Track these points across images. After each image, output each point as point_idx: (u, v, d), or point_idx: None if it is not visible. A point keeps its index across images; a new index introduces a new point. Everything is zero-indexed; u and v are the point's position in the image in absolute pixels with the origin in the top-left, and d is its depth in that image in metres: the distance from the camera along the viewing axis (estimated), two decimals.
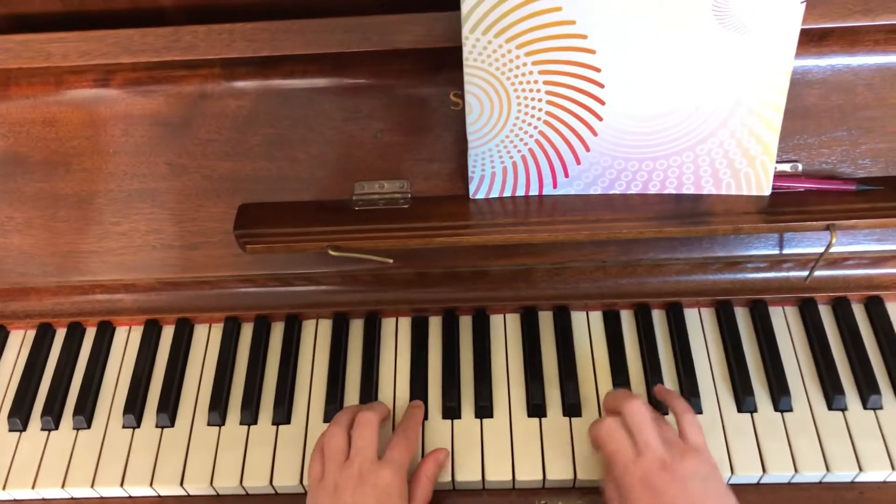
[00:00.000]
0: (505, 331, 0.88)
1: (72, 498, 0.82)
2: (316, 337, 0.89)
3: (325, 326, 0.89)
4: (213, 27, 0.73)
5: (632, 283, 0.87)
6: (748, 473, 0.77)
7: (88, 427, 0.84)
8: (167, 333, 0.90)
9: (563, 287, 0.87)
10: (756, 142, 0.74)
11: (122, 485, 0.80)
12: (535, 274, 0.87)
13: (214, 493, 0.81)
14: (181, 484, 0.80)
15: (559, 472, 0.77)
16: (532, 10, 0.68)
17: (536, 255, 0.84)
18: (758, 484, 0.77)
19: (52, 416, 0.84)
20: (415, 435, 0.77)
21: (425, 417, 0.82)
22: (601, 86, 0.72)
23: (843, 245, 0.82)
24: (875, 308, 0.85)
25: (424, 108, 0.79)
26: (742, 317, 0.87)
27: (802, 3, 0.67)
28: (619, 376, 0.83)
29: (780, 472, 0.76)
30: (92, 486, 0.80)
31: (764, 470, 0.77)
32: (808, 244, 0.82)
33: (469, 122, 0.75)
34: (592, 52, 0.70)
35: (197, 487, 0.80)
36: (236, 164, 0.81)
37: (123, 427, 0.84)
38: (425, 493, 0.74)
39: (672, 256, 0.83)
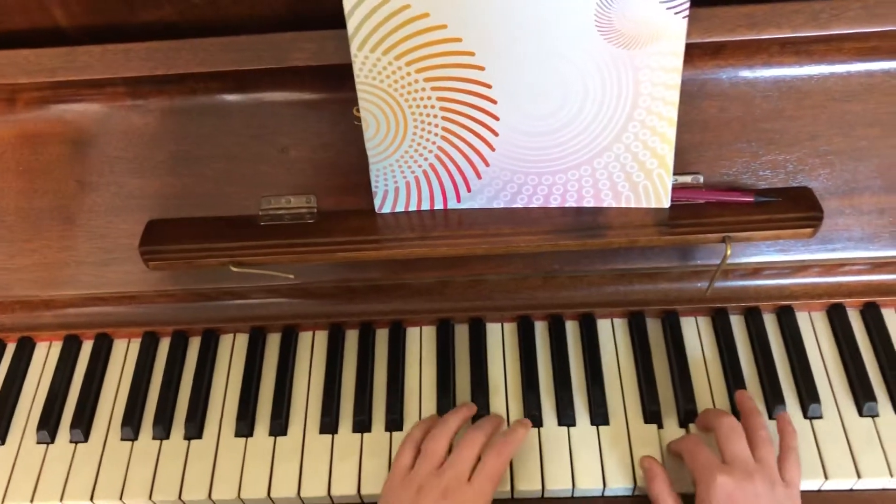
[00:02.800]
0: (421, 344, 0.88)
1: None
2: (232, 351, 0.89)
3: (242, 340, 0.89)
4: (109, 47, 0.74)
5: (545, 294, 0.87)
6: None
7: (3, 443, 0.85)
8: (86, 349, 0.90)
9: (477, 299, 0.88)
10: (652, 155, 0.75)
11: (31, 501, 0.81)
12: (451, 286, 0.88)
13: None
14: (91, 499, 0.80)
15: None
16: (417, 27, 0.68)
17: (449, 269, 0.85)
18: None
19: None
20: (510, 455, 0.76)
21: (334, 431, 0.82)
22: (494, 101, 0.73)
23: (748, 256, 0.82)
24: (786, 318, 0.86)
25: (329, 123, 0.80)
26: (654, 327, 0.87)
27: (684, 17, 0.67)
28: (530, 388, 0.83)
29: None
30: (2, 502, 0.81)
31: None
32: (718, 256, 0.82)
33: (367, 139, 0.76)
34: (481, 68, 0.71)
35: (108, 502, 0.80)
36: (144, 180, 0.82)
37: (38, 443, 0.84)
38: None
39: (578, 268, 0.83)
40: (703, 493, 0.69)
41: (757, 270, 0.85)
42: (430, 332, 0.89)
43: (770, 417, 0.80)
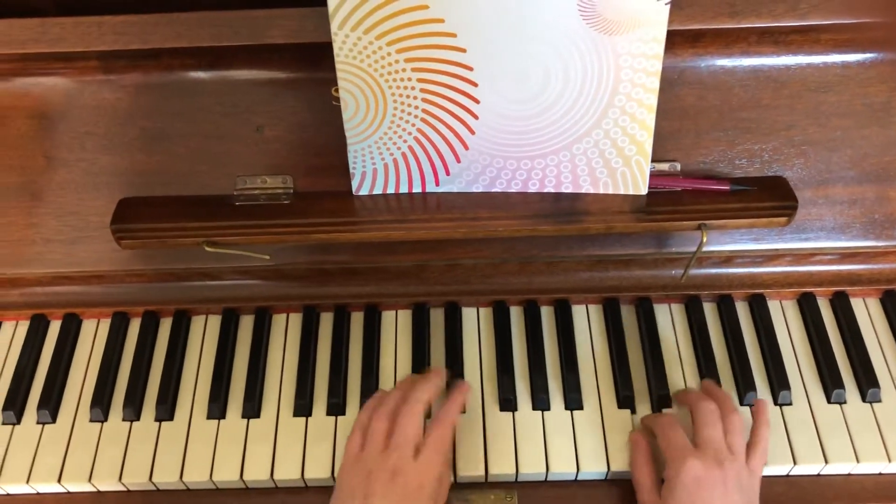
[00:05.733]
0: (396, 327, 0.88)
1: None
2: (204, 333, 0.88)
3: (215, 322, 0.88)
4: (82, 19, 0.72)
5: (521, 279, 0.87)
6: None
7: None
8: (54, 328, 0.89)
9: (453, 284, 0.88)
10: (630, 142, 0.75)
11: None
12: (427, 270, 0.88)
13: (95, 489, 0.80)
14: (59, 481, 0.79)
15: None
16: (399, 7, 0.68)
17: (425, 252, 0.85)
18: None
19: None
20: (452, 424, 0.75)
21: (308, 414, 0.82)
22: (475, 84, 0.72)
23: (722, 244, 0.83)
24: (757, 306, 0.87)
25: (307, 103, 0.79)
26: (628, 314, 0.87)
27: (667, 4, 0.67)
28: (505, 372, 0.83)
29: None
30: None
31: None
32: (692, 243, 0.83)
33: (346, 119, 0.75)
34: (463, 50, 0.70)
35: (76, 485, 0.79)
36: (116, 157, 0.80)
37: (3, 424, 0.83)
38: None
39: (555, 254, 0.83)
40: (673, 473, 0.70)
41: (730, 258, 0.86)
42: (405, 316, 0.89)
43: (742, 404, 0.81)
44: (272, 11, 0.71)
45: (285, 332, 0.88)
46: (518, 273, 0.87)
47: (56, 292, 0.88)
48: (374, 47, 0.70)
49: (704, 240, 0.76)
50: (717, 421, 0.73)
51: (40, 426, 0.82)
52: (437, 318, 0.88)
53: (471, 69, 0.71)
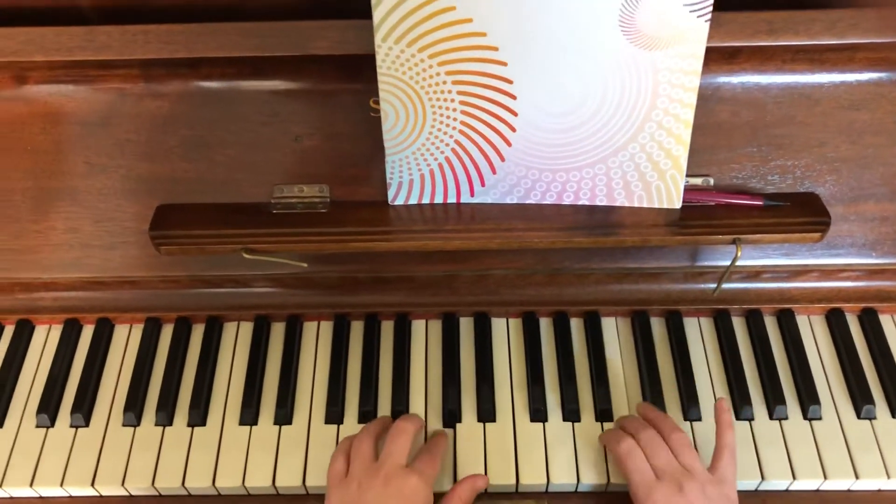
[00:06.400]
0: (426, 336, 0.89)
1: None
2: (236, 339, 0.89)
3: (247, 329, 0.89)
4: (128, 28, 0.73)
5: (551, 291, 0.88)
6: None
7: (1, 426, 0.83)
8: (87, 333, 0.89)
9: (483, 294, 0.89)
10: (666, 156, 0.76)
11: (31, 484, 0.80)
12: (457, 280, 0.88)
13: (127, 493, 0.80)
14: (92, 484, 0.79)
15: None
16: (443, 21, 0.68)
17: (456, 262, 0.85)
18: None
19: None
20: (440, 454, 0.76)
21: (340, 421, 0.82)
22: (513, 97, 0.73)
23: (753, 259, 0.83)
24: (786, 321, 0.87)
25: (345, 113, 0.80)
26: (657, 327, 0.88)
27: (707, 21, 0.68)
28: (535, 383, 0.84)
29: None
30: (0, 486, 0.80)
31: None
32: (722, 257, 0.84)
33: (385, 130, 0.76)
34: (504, 63, 0.71)
35: (109, 488, 0.80)
36: (155, 164, 0.81)
37: (37, 426, 0.83)
38: None
39: (587, 266, 0.84)
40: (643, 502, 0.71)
41: (759, 273, 0.86)
42: (435, 326, 0.89)
43: (771, 418, 0.81)
44: (318, 23, 0.72)
45: (316, 340, 0.88)
46: (548, 284, 0.88)
47: (89, 297, 0.89)
48: (416, 59, 0.71)
49: (739, 254, 0.76)
50: (661, 447, 0.73)
51: (74, 430, 0.83)
52: (466, 327, 0.89)
53: (510, 82, 0.72)
